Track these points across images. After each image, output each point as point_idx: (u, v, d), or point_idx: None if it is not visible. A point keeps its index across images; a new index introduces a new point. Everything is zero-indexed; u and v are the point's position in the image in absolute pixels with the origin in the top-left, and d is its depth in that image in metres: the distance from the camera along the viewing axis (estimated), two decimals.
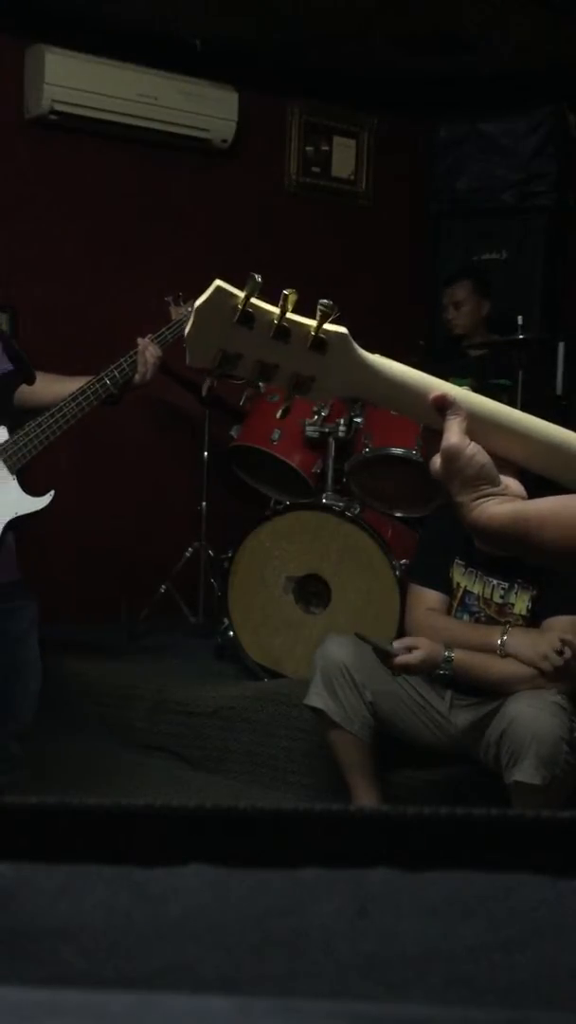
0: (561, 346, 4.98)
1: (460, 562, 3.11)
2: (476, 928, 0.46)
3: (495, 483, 1.24)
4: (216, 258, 4.85)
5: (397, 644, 2.95)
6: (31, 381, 2.87)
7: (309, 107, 5.45)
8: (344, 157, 5.59)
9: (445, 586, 3.14)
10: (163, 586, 4.65)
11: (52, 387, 2.87)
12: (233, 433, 4.34)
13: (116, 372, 2.89)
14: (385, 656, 2.92)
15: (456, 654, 2.92)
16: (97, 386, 2.87)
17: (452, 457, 1.23)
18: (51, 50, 4.56)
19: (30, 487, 2.80)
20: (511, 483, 1.25)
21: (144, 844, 0.49)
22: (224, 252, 4.89)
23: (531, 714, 2.78)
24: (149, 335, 3.00)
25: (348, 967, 0.45)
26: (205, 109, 4.93)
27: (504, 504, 1.23)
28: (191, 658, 4.37)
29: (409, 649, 2.90)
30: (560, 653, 2.88)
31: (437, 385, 1.24)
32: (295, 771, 3.58)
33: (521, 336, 4.56)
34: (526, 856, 0.48)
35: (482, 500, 1.23)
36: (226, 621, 4.15)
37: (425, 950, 0.45)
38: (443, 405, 1.22)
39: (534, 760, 2.74)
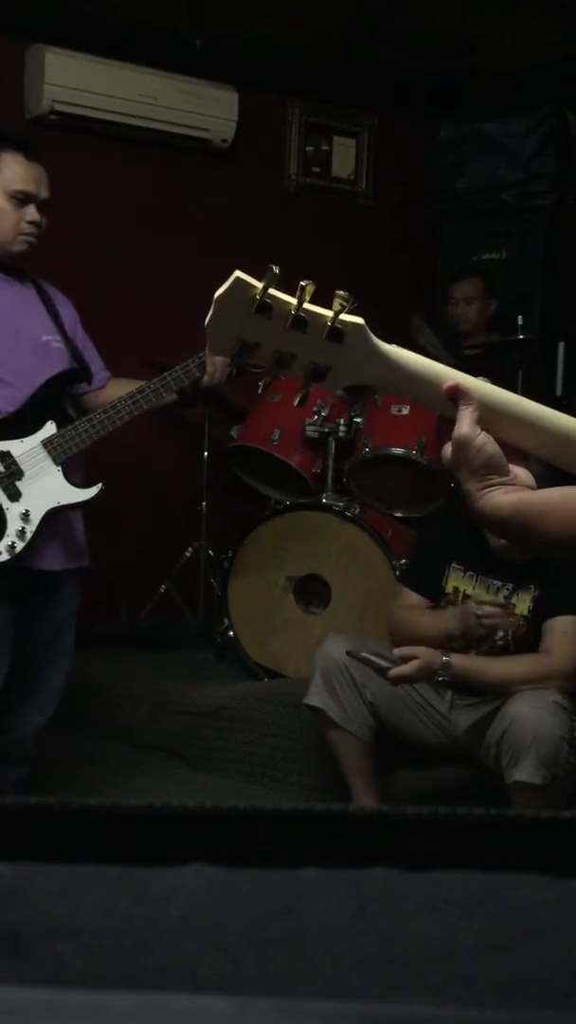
0: (561, 346, 4.99)
1: (458, 566, 3.11)
2: (476, 928, 0.46)
3: (503, 473, 1.25)
4: (216, 258, 4.84)
5: (396, 652, 2.93)
6: (89, 381, 3.02)
7: (309, 107, 5.45)
8: (344, 157, 5.59)
9: (432, 591, 3.17)
10: (163, 586, 4.65)
11: (121, 391, 2.98)
12: (233, 433, 4.34)
13: (181, 373, 2.95)
14: (380, 671, 2.92)
15: (453, 659, 2.91)
16: (158, 386, 2.94)
17: (462, 446, 1.24)
18: (51, 50, 4.56)
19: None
20: (520, 473, 1.27)
21: (144, 844, 0.49)
22: (224, 252, 4.87)
23: (532, 714, 2.78)
24: None
25: (348, 967, 0.45)
26: (205, 109, 4.93)
27: (510, 494, 1.25)
28: (191, 658, 4.37)
29: (406, 659, 2.89)
30: (483, 616, 2.90)
31: (451, 375, 1.26)
32: (295, 771, 3.58)
33: (521, 336, 4.56)
34: (526, 856, 0.48)
35: (489, 489, 1.25)
36: (226, 621, 4.15)
37: (425, 950, 0.45)
38: (456, 395, 1.24)
39: (535, 760, 2.74)
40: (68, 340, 2.99)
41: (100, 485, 2.91)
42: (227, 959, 0.45)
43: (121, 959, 0.45)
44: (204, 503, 4.72)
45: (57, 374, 2.93)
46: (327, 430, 4.05)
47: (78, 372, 2.99)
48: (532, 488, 1.27)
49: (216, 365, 2.95)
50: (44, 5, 4.50)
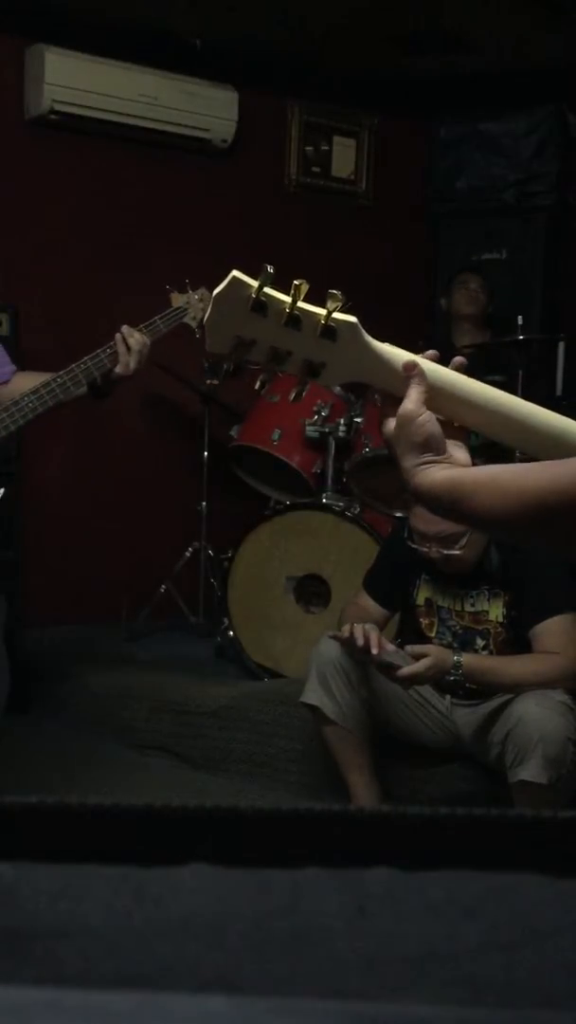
0: (561, 346, 4.99)
1: (427, 577, 3.10)
2: (476, 928, 0.46)
3: (440, 452, 1.30)
4: (216, 258, 4.84)
5: (409, 649, 2.91)
6: None
7: (309, 107, 5.45)
8: (344, 157, 5.59)
9: (389, 601, 3.21)
10: (163, 586, 4.65)
11: (28, 385, 2.78)
12: (233, 433, 4.34)
13: (91, 364, 2.77)
14: (389, 669, 2.89)
15: (465, 658, 2.89)
16: (65, 379, 2.75)
17: (405, 422, 1.29)
18: (51, 50, 4.56)
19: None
20: (458, 454, 1.32)
21: (144, 844, 0.49)
22: (224, 252, 4.87)
23: (539, 713, 2.77)
24: (141, 325, 2.88)
25: (348, 967, 0.45)
26: (205, 109, 4.93)
27: (445, 470, 1.29)
28: (191, 658, 4.37)
29: (416, 657, 2.88)
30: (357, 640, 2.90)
31: (429, 365, 1.31)
32: (295, 771, 3.58)
33: (521, 336, 4.56)
34: (526, 856, 0.48)
35: (425, 466, 1.29)
36: (226, 621, 4.15)
37: (425, 950, 0.45)
38: (410, 372, 1.30)
39: (541, 760, 2.73)
40: None
41: (3, 490, 2.77)
42: (227, 959, 0.45)
43: (121, 959, 0.45)
44: (204, 503, 4.72)
45: None
46: (327, 430, 4.05)
47: None
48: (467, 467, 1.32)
49: (131, 353, 2.77)
50: (44, 5, 4.50)
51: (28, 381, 2.80)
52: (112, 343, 2.79)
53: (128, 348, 2.77)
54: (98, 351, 2.79)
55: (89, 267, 4.87)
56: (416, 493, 1.31)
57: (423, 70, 5.16)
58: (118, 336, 2.79)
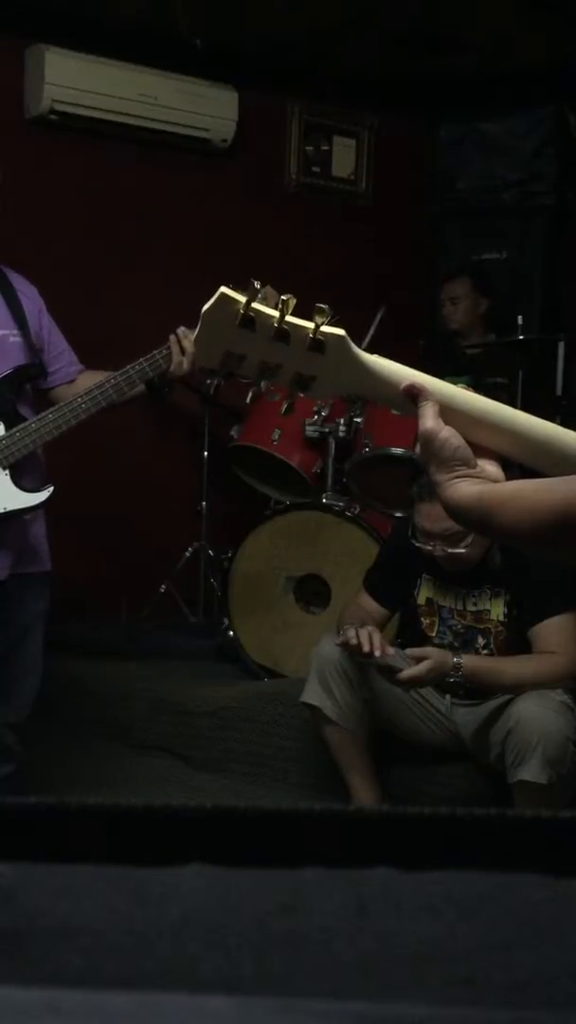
0: (561, 346, 4.98)
1: (428, 577, 3.10)
2: (476, 928, 0.46)
3: (470, 465, 1.30)
4: (216, 258, 4.85)
5: (409, 652, 2.92)
6: (45, 377, 2.87)
7: (309, 107, 5.45)
8: (344, 157, 5.59)
9: (390, 601, 3.21)
10: (163, 586, 4.65)
11: (90, 383, 2.80)
12: (233, 433, 4.34)
13: (146, 365, 2.78)
14: (390, 672, 2.90)
15: (465, 660, 2.89)
16: (119, 380, 2.77)
17: (428, 440, 1.30)
18: (51, 50, 4.56)
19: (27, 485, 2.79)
20: (490, 468, 1.31)
21: (144, 844, 0.49)
22: (224, 252, 4.88)
23: (539, 713, 2.78)
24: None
25: (348, 967, 0.45)
26: (205, 109, 4.93)
27: (475, 484, 1.29)
28: (191, 658, 4.37)
29: (417, 660, 2.88)
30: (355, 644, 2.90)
31: (425, 381, 1.31)
32: (295, 771, 3.58)
33: (521, 336, 4.56)
34: (526, 856, 0.48)
35: (456, 480, 1.30)
36: (226, 621, 4.15)
37: (425, 950, 0.45)
38: (413, 393, 1.29)
39: (540, 760, 2.73)
40: (27, 334, 2.81)
41: (51, 488, 2.73)
42: (227, 959, 0.45)
43: (121, 959, 0.45)
44: (204, 503, 4.72)
45: (5, 375, 2.76)
46: (327, 430, 4.05)
47: (29, 369, 2.80)
48: (498, 481, 1.32)
49: (185, 353, 2.76)
50: (44, 5, 4.50)
51: (91, 380, 2.81)
52: (167, 345, 2.78)
53: (183, 350, 2.76)
54: (153, 352, 2.79)
55: (88, 267, 4.87)
56: (446, 507, 1.31)
57: (423, 70, 5.15)
58: (172, 337, 2.77)
